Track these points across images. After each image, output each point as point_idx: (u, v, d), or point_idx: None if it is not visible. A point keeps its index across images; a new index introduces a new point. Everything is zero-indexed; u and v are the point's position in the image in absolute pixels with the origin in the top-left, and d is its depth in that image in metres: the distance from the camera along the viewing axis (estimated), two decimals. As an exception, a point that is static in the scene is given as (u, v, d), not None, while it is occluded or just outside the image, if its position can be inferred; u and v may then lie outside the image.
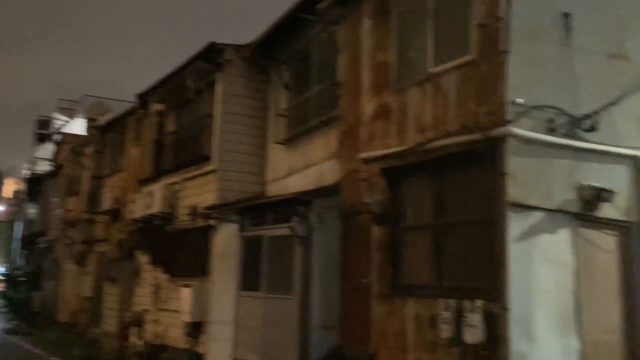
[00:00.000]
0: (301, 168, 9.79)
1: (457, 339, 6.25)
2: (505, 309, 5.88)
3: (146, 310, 12.81)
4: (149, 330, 12.55)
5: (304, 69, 10.24)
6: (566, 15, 6.77)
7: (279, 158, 10.63)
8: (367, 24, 8.39)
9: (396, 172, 7.49)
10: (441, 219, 6.93)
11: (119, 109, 18.44)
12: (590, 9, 7.00)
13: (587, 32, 6.91)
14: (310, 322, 8.13)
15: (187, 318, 10.69)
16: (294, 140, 10.18)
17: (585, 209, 6.51)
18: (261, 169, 11.01)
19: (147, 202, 12.50)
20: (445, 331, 6.37)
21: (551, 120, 6.44)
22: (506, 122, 6.14)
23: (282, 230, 8.67)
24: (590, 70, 6.88)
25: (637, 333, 6.75)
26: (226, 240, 10.26)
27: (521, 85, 6.27)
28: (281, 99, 10.72)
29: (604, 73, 6.98)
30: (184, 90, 12.13)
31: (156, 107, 13.70)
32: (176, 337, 11.36)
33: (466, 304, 6.19)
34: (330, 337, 8.10)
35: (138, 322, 13.00)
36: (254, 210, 9.66)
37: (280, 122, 10.64)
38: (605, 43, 7.12)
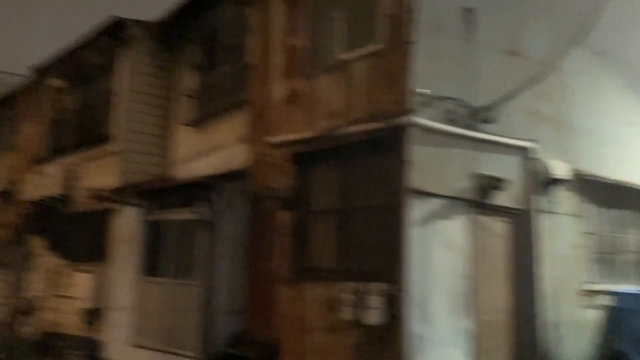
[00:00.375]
0: (209, 151, 9.59)
1: (358, 321, 6.41)
2: (404, 291, 6.10)
3: (40, 297, 12.13)
4: (44, 318, 11.90)
5: (213, 49, 9.99)
6: (469, 10, 7.05)
7: (186, 140, 10.35)
8: (278, 6, 8.31)
9: (305, 157, 7.52)
10: (347, 204, 7.05)
11: (11, 83, 17.15)
12: (492, 6, 7.34)
13: (488, 28, 7.24)
14: (215, 308, 8.03)
15: (85, 304, 10.25)
16: (202, 122, 9.94)
17: (481, 197, 6.87)
18: (167, 151, 10.66)
19: (43, 183, 11.80)
20: (347, 314, 6.52)
21: (452, 111, 6.71)
22: (410, 112, 6.32)
23: (187, 214, 8.48)
24: (490, 64, 7.24)
25: (524, 314, 7.24)
26: (128, 224, 9.89)
27: (425, 76, 6.47)
28: (190, 80, 10.41)
29: (501, 68, 7.36)
30: (85, 66, 11.49)
31: (54, 82, 12.88)
32: (73, 324, 10.85)
33: (368, 286, 6.36)
34: (236, 322, 8.05)
35: (31, 309, 12.28)
36: (159, 193, 9.37)
37: (188, 103, 10.34)
38: (504, 39, 7.51)
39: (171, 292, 8.79)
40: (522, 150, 7.38)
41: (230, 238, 8.21)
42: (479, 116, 6.93)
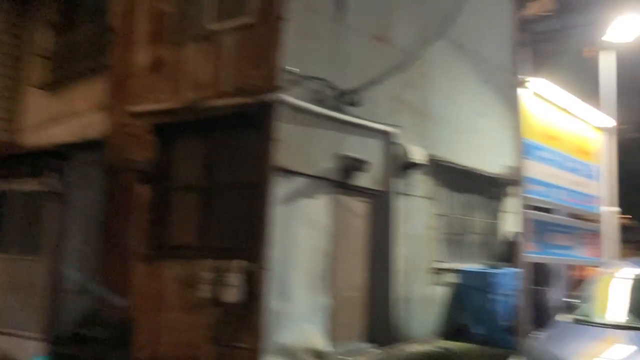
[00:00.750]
0: (64, 117, 8.87)
1: (217, 299, 6.32)
2: (264, 269, 6.10)
3: None
4: None
5: (72, 8, 9.22)
6: (341, -7, 7.12)
7: (38, 105, 9.49)
8: (146, -32, 7.82)
9: (168, 129, 7.20)
10: (210, 180, 6.88)
11: None
12: (363, -9, 7.47)
13: (358, 13, 7.37)
14: (64, 286, 7.50)
15: None
16: (57, 86, 9.17)
17: (343, 177, 7.04)
18: (15, 115, 9.72)
19: None
20: (207, 292, 6.39)
21: (319, 92, 6.77)
22: (278, 89, 6.28)
23: (35, 185, 7.79)
24: (358, 48, 7.39)
25: (378, 290, 7.59)
26: (-34, 194, 8.89)
27: (294, 54, 6.45)
28: (44, 39, 9.53)
29: (369, 53, 7.55)
30: None
31: None
32: None
33: (228, 264, 6.27)
34: (87, 301, 7.59)
35: None
36: (4, 161, 8.50)
37: (42, 65, 9.47)
38: (373, 25, 7.70)
39: (15, 268, 8.08)
40: (384, 134, 7.66)
41: (83, 212, 7.69)
42: (345, 98, 7.06)
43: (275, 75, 6.32)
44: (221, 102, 6.64)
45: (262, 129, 6.29)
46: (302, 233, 6.56)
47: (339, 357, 6.71)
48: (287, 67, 6.35)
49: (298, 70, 6.46)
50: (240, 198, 6.56)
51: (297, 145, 6.50)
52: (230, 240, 6.53)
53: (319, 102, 6.77)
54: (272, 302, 6.12)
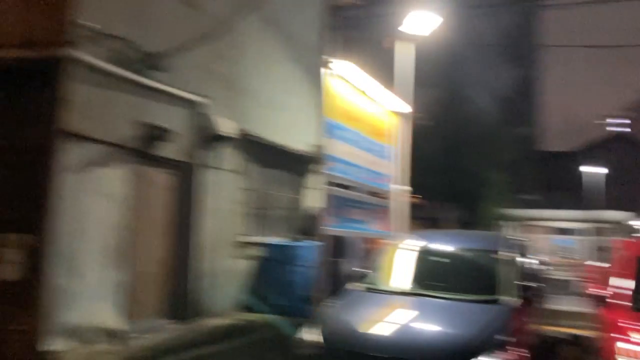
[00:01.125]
0: None
1: (-9, 277, 5.58)
2: (48, 243, 5.51)
3: None
4: None
5: None
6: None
7: None
8: None
9: None
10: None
11: None
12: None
13: (167, -27, 6.95)
14: None
15: None
16: None
17: (145, 147, 6.63)
18: None
19: None
20: (-22, 270, 5.61)
21: (120, 52, 6.26)
22: (69, 44, 5.65)
23: None
24: (166, 11, 6.99)
25: (181, 264, 7.36)
26: None
27: (92, 8, 5.86)
28: None
29: (177, 17, 7.17)
30: None
31: None
32: None
33: (5, 238, 5.58)
34: None
35: None
36: None
37: None
38: (182, -11, 7.32)
39: None
40: (192, 103, 7.38)
41: None
42: (149, 62, 6.63)
43: (68, 29, 5.67)
44: (0, 53, 5.79)
45: (50, 87, 5.62)
46: (95, 205, 6.05)
47: (134, 335, 6.37)
48: (82, 21, 5.75)
49: (96, 26, 5.88)
50: (21, 164, 5.78)
51: (92, 108, 5.94)
52: (8, 212, 5.75)
53: (120, 64, 6.25)
54: (58, 279, 5.57)
